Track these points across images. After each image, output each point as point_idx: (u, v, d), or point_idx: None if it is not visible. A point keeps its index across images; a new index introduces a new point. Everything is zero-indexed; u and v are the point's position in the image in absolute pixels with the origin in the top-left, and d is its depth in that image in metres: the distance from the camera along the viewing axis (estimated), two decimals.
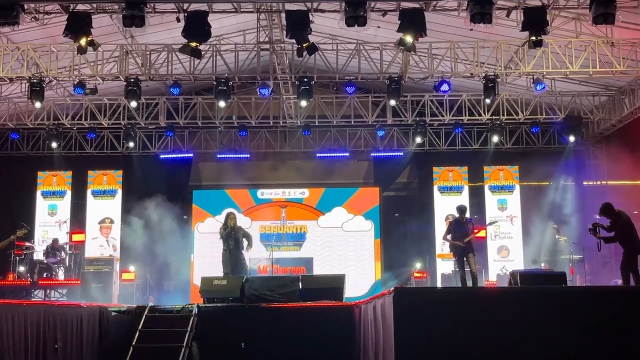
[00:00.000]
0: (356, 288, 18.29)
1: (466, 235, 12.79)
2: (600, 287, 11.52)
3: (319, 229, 20.12)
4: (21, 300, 11.50)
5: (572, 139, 18.42)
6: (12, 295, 14.47)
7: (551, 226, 17.17)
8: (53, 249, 17.39)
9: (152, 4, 12.33)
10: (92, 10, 12.60)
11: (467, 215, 13.69)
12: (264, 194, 20.41)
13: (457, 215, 13.27)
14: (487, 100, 16.74)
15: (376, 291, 18.24)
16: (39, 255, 17.67)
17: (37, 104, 15.98)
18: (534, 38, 12.26)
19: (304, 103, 16.82)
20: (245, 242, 13.98)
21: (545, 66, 15.17)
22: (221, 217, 19.78)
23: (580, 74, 15.69)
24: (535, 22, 12.06)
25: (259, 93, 16.64)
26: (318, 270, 19.10)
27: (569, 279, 12.80)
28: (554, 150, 19.82)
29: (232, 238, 13.84)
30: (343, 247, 19.93)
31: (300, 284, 12.71)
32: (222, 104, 16.50)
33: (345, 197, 20.34)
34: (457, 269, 13.63)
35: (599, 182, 19.83)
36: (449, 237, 13.11)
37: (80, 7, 12.45)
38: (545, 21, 12.13)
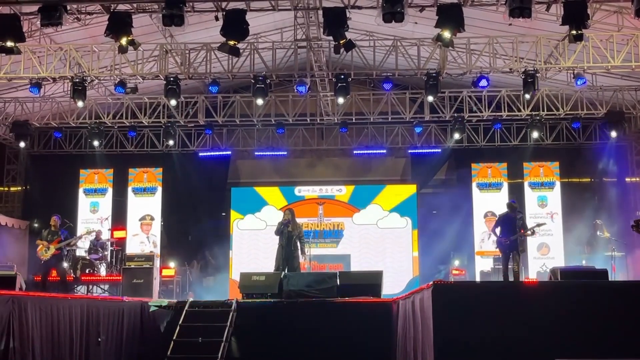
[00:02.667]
0: (393, 285, 18.26)
1: (514, 232, 12.79)
2: None
3: (354, 225, 20.15)
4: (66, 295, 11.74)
5: (613, 134, 18.08)
6: (56, 291, 14.76)
7: (595, 222, 16.87)
8: (97, 240, 17.71)
9: (191, 3, 12.46)
10: (133, 10, 12.78)
11: (517, 211, 13.57)
12: (302, 191, 20.50)
13: (505, 211, 13.25)
14: (527, 96, 16.50)
15: (414, 288, 18.19)
16: (81, 251, 18.02)
17: (80, 103, 16.32)
18: (574, 32, 12.08)
19: (341, 100, 16.83)
20: (298, 244, 14.01)
21: (586, 61, 14.94)
22: (260, 214, 20.21)
23: (622, 68, 15.40)
24: (576, 16, 11.88)
25: (296, 90, 16.70)
26: (355, 267, 19.12)
27: (610, 276, 12.60)
28: (595, 146, 19.50)
29: (285, 235, 13.89)
30: (380, 244, 19.91)
31: (338, 280, 12.73)
32: (259, 101, 16.61)
33: (382, 194, 20.33)
34: (501, 265, 13.57)
35: None
36: (497, 230, 13.09)
37: (121, 7, 12.65)
38: (586, 15, 11.94)
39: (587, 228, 17.25)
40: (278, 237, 14.00)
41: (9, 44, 12.40)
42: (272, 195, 20.39)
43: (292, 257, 13.81)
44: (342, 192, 20.41)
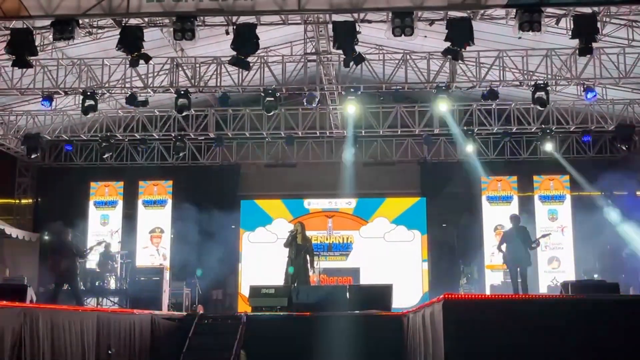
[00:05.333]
0: (404, 299, 18.16)
1: (523, 244, 12.75)
2: None
3: (362, 239, 20.13)
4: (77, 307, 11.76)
5: (624, 148, 18.03)
6: (66, 303, 14.79)
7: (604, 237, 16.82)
8: (107, 253, 17.72)
9: (202, 18, 12.55)
10: (144, 24, 12.89)
11: (520, 224, 13.55)
12: (311, 203, 20.53)
13: (510, 225, 13.19)
14: (537, 109, 16.51)
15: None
16: (91, 264, 18.02)
17: (90, 116, 16.40)
18: (584, 46, 12.10)
19: (350, 113, 16.87)
20: (307, 257, 14.00)
21: (596, 74, 14.93)
22: (271, 227, 20.23)
23: (633, 82, 15.38)
24: (586, 30, 11.91)
25: (305, 104, 16.73)
26: (365, 280, 19.05)
27: (622, 290, 12.52)
28: (605, 159, 19.47)
29: (294, 247, 13.89)
30: (390, 258, 19.85)
31: (347, 293, 12.71)
32: (269, 112, 16.58)
33: (391, 208, 20.31)
34: (509, 280, 13.54)
35: None
36: (502, 247, 13.03)
37: (133, 21, 12.76)
38: (596, 29, 11.95)
39: (598, 242, 17.14)
40: (287, 250, 14.01)
41: (22, 57, 12.52)
42: (282, 208, 20.40)
43: (301, 270, 13.80)
44: (352, 205, 20.41)
